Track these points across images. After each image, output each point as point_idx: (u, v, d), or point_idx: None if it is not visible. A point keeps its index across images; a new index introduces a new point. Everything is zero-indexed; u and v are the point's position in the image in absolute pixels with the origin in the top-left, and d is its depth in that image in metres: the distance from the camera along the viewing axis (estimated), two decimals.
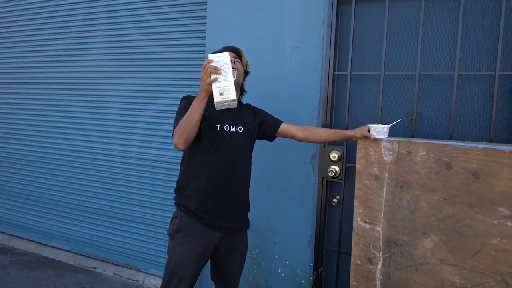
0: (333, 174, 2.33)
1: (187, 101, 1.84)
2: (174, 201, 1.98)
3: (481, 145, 1.62)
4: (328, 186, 2.43)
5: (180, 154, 2.02)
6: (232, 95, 1.63)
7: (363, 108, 2.36)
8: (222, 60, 1.65)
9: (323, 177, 2.40)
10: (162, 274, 2.50)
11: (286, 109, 2.51)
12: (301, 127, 2.09)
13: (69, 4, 3.49)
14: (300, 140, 2.09)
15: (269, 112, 2.13)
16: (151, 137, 3.25)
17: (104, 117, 3.45)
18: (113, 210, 3.48)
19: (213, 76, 1.62)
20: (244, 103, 2.10)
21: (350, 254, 2.39)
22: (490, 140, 1.99)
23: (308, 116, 2.44)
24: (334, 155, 2.34)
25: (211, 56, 1.66)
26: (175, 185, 1.99)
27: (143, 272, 3.31)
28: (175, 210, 1.96)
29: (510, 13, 1.99)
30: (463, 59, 2.08)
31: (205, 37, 2.79)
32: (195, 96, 1.77)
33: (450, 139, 2.05)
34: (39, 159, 3.82)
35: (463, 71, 2.07)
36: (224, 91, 1.62)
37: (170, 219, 1.96)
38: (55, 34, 3.61)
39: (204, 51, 2.81)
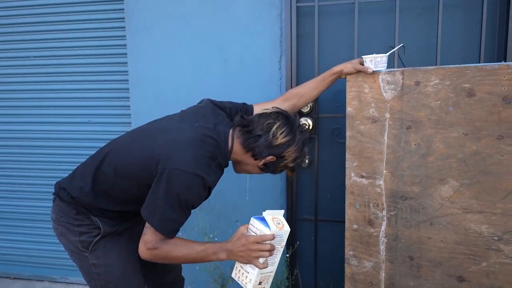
0: (306, 128, 1.93)
1: (195, 200, 1.29)
2: (70, 203, 1.39)
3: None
4: None
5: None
6: (268, 284, 1.29)
7: (334, 47, 1.98)
8: (281, 235, 1.24)
9: None
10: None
11: (238, 55, 2.02)
12: (281, 98, 1.64)
13: None
14: None
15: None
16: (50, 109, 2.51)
17: None
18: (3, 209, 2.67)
19: (262, 260, 1.22)
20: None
21: (328, 222, 2.06)
22: None
23: (268, 62, 1.99)
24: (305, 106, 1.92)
25: (274, 229, 1.22)
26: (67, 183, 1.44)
27: (60, 282, 2.58)
28: (72, 216, 1.40)
29: None
30: None
31: None
32: (202, 193, 1.28)
33: None
34: None
35: None
36: (264, 279, 1.26)
37: (69, 230, 1.41)
38: None
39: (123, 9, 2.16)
